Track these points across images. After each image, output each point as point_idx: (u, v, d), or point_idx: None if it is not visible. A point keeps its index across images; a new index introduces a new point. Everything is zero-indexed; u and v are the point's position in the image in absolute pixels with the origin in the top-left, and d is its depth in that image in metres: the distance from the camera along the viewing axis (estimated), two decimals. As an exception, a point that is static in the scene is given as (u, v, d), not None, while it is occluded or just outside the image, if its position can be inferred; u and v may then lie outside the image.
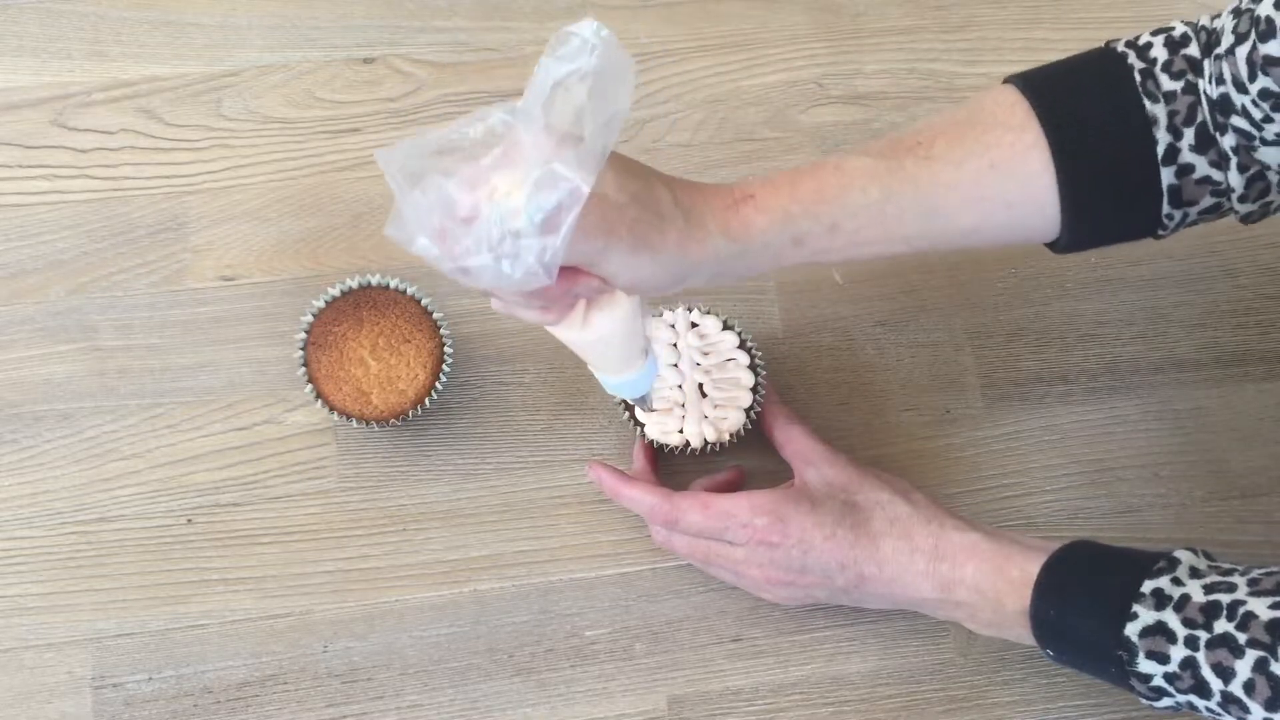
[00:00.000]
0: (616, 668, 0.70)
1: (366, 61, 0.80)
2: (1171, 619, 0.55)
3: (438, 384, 0.70)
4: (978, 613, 0.64)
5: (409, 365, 0.70)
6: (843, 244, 0.59)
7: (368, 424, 0.70)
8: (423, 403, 0.70)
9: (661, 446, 0.70)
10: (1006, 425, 0.76)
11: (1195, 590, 0.56)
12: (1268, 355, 0.78)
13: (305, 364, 0.70)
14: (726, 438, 0.70)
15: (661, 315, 0.71)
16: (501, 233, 0.47)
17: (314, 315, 0.71)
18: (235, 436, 0.73)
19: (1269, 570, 0.56)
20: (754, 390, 0.70)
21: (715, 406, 0.70)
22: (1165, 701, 0.57)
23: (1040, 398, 0.76)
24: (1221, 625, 0.54)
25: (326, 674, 0.69)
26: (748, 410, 0.70)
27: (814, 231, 0.58)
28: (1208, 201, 0.59)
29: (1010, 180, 0.59)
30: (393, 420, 0.70)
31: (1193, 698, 0.55)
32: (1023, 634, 0.62)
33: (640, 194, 0.54)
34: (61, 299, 0.75)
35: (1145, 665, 0.56)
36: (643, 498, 0.67)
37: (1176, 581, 0.56)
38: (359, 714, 0.69)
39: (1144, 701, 0.58)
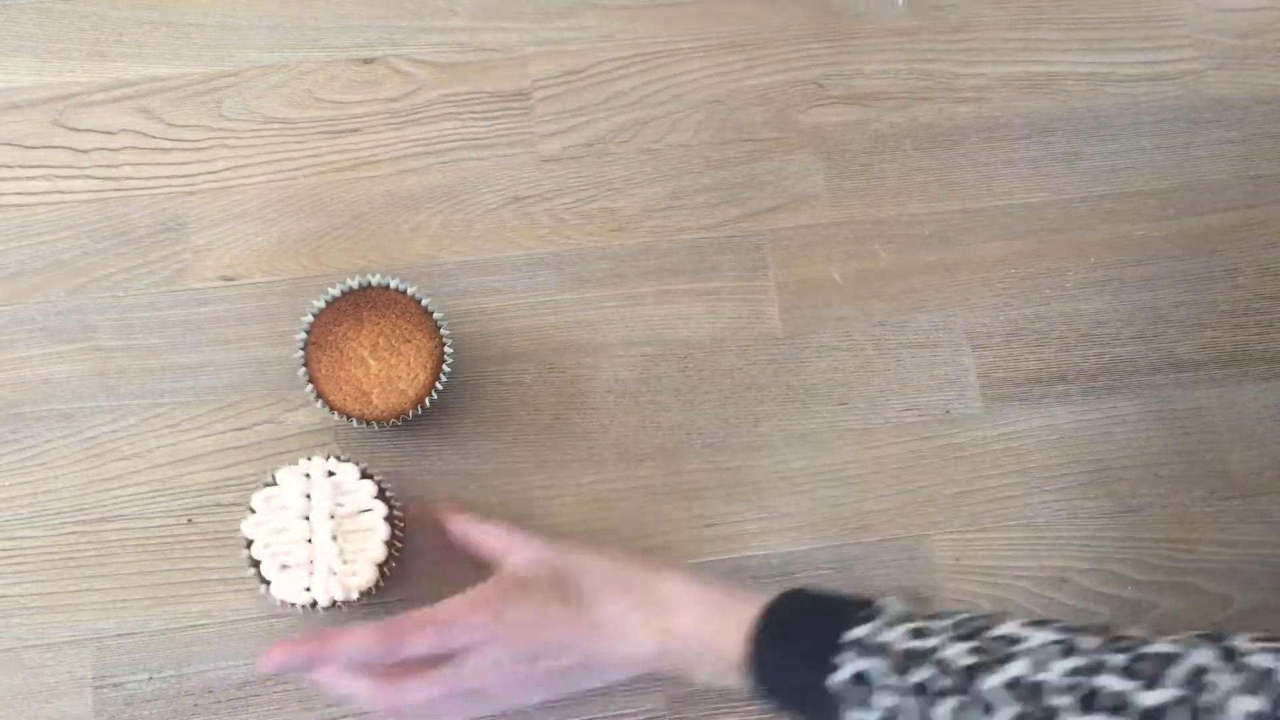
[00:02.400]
0: (616, 667, 0.70)
1: (366, 61, 0.80)
2: (873, 667, 0.55)
3: (438, 384, 0.70)
4: (701, 662, 0.61)
5: (409, 365, 0.70)
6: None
7: (368, 424, 0.70)
8: (423, 403, 0.70)
9: (292, 604, 0.66)
10: (1006, 425, 0.76)
11: (896, 637, 0.55)
12: (1267, 355, 0.78)
13: (305, 364, 0.70)
14: (355, 595, 0.65)
15: (297, 464, 0.67)
16: None
17: (314, 315, 0.71)
18: (235, 436, 0.73)
19: (970, 615, 0.56)
20: (390, 544, 0.66)
21: (345, 562, 0.65)
22: None
23: (1040, 398, 0.76)
24: (920, 673, 0.54)
25: (327, 674, 0.69)
26: (382, 565, 0.67)
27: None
28: None
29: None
30: (393, 420, 0.70)
31: None
32: (743, 685, 0.60)
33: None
34: (62, 299, 0.75)
35: (853, 715, 0.55)
36: (353, 640, 0.61)
37: (878, 629, 0.56)
38: (359, 714, 0.69)
39: None
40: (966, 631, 0.55)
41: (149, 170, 0.77)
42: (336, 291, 0.71)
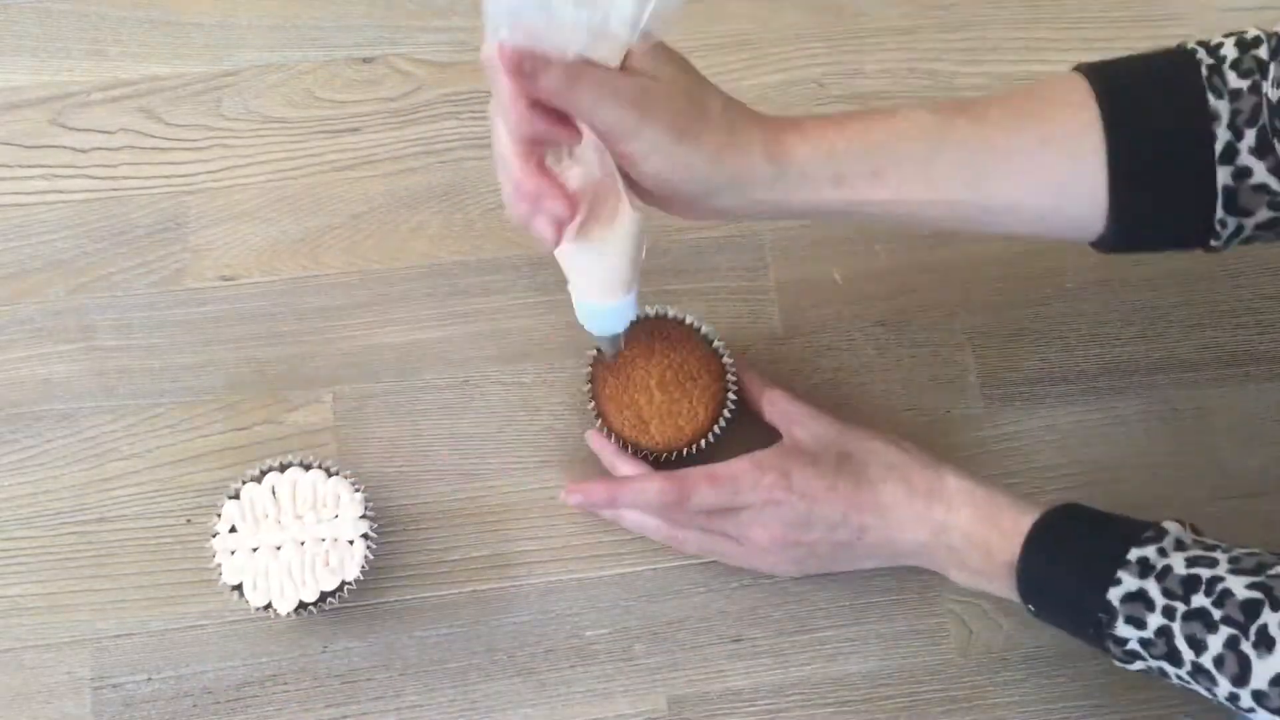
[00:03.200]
0: (616, 668, 0.70)
1: (366, 61, 0.80)
2: (1152, 588, 0.56)
3: (716, 428, 0.70)
4: (966, 560, 0.64)
5: (691, 403, 0.70)
6: (884, 197, 0.57)
7: (640, 453, 0.71)
8: (698, 443, 0.70)
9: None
10: (1006, 425, 0.76)
11: (1178, 563, 0.56)
12: (1268, 355, 0.78)
13: (591, 381, 0.71)
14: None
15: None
16: None
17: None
18: (235, 436, 0.72)
19: (1250, 551, 0.57)
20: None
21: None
22: (1137, 664, 0.58)
23: (1040, 398, 0.76)
24: (1199, 599, 0.55)
25: (326, 674, 0.69)
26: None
27: (856, 173, 0.56)
28: (1264, 214, 0.57)
29: (1060, 156, 0.57)
30: (666, 455, 0.70)
31: (1164, 664, 0.56)
32: (1004, 586, 0.63)
33: (692, 90, 0.54)
34: (61, 299, 0.75)
35: (1122, 629, 0.57)
36: (647, 486, 0.66)
37: (1162, 552, 0.57)
38: (359, 714, 0.68)
39: (1117, 663, 0.59)
40: (1250, 566, 0.55)
41: (148, 170, 0.77)
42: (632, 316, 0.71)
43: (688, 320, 0.72)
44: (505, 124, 0.51)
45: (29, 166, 0.77)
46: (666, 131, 0.52)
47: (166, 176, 0.77)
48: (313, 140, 0.78)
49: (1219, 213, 0.57)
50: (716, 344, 0.72)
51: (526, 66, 0.49)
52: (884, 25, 0.84)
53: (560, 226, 0.52)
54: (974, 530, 0.64)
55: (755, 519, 0.66)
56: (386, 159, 0.78)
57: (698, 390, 0.70)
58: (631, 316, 0.60)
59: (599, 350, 0.71)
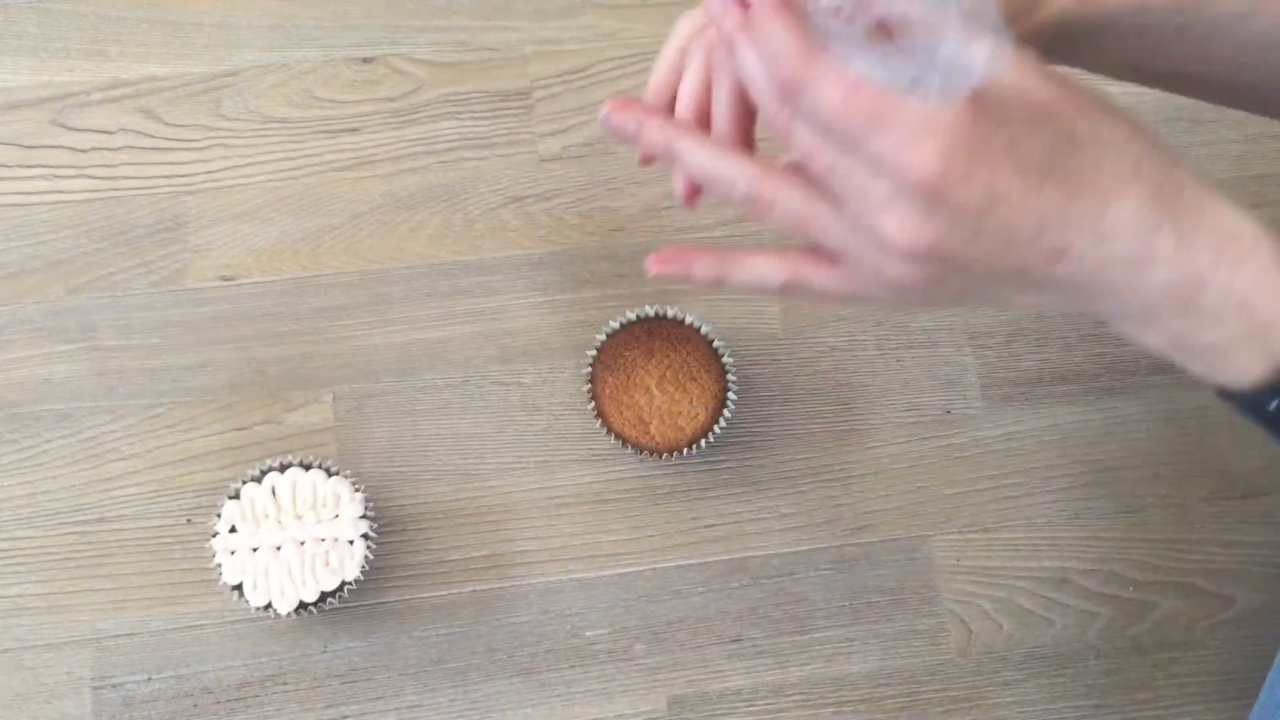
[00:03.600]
0: (616, 668, 0.70)
1: (366, 61, 0.80)
2: None
3: (716, 427, 0.70)
4: (1218, 326, 0.42)
5: (692, 403, 0.70)
6: (1184, 55, 0.47)
7: (640, 453, 0.71)
8: (698, 443, 0.70)
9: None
10: (1007, 425, 0.76)
11: None
12: (1268, 355, 0.78)
13: (591, 381, 0.71)
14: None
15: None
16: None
17: (607, 335, 0.71)
18: (235, 436, 0.72)
19: None
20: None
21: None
22: None
23: (1040, 398, 0.76)
24: None
25: (326, 674, 0.69)
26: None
27: (1161, 25, 0.45)
28: None
29: None
30: (666, 455, 0.70)
31: None
32: (1251, 365, 0.43)
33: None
34: (61, 299, 0.75)
35: None
36: (776, 35, 0.38)
37: None
38: (359, 714, 0.68)
39: None
40: None
41: (148, 170, 0.77)
42: (631, 316, 0.71)
43: (688, 320, 0.72)
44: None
45: (29, 166, 0.77)
46: None
47: (166, 176, 0.77)
48: (313, 140, 0.78)
49: None
50: (716, 344, 0.72)
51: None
52: (884, 25, 0.84)
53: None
54: (1252, 294, 0.41)
55: (892, 201, 0.39)
56: (386, 159, 0.78)
57: (698, 390, 0.70)
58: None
59: (599, 351, 0.71)
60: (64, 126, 0.78)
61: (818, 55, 0.39)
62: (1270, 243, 0.42)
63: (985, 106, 0.39)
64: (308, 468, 0.67)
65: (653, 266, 0.45)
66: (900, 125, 0.38)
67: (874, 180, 0.39)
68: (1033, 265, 0.41)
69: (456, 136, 0.79)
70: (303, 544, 0.65)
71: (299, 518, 0.66)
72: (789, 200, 0.43)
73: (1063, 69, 0.42)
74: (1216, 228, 0.42)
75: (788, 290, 0.45)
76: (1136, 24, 0.47)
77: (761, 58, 0.40)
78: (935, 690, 0.70)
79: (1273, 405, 0.43)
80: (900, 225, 0.40)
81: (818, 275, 0.44)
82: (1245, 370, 0.43)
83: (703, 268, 0.45)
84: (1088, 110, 0.41)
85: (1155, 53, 0.49)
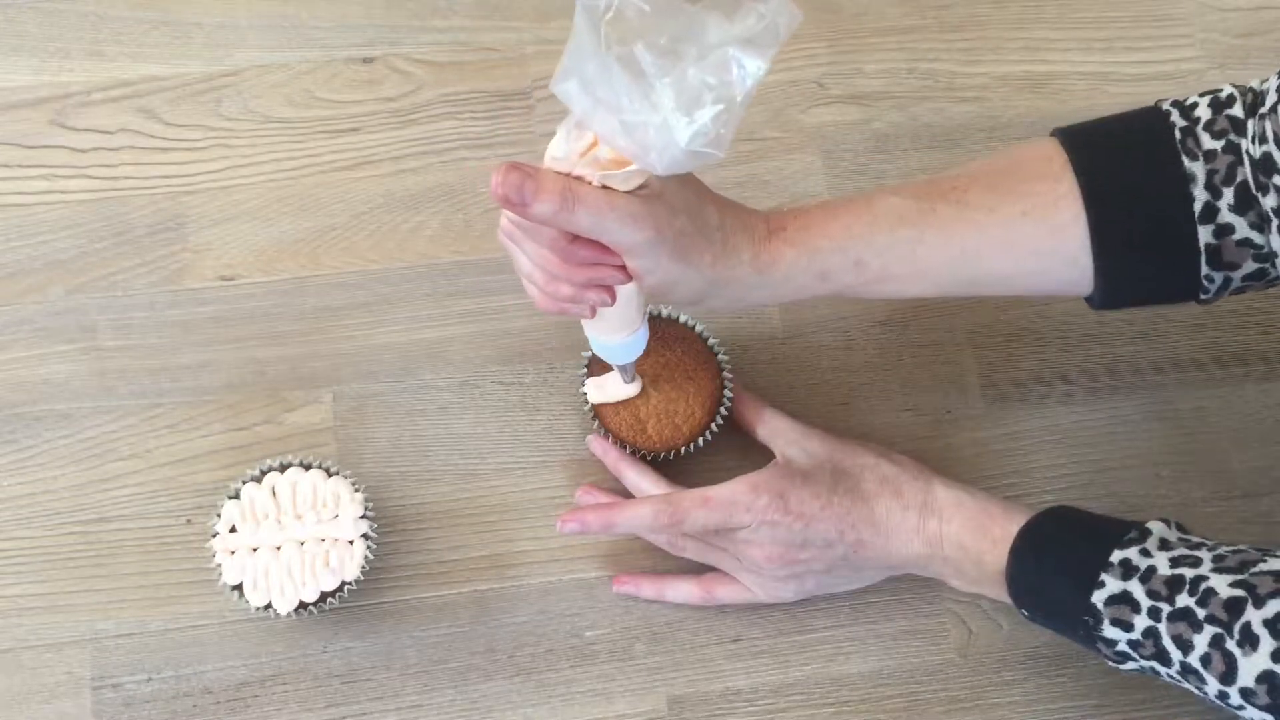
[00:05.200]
0: (616, 668, 0.70)
1: (366, 61, 0.80)
2: (1136, 589, 0.56)
3: (713, 425, 0.70)
4: (961, 569, 0.65)
5: (688, 402, 0.70)
6: (869, 279, 0.60)
7: (638, 452, 0.70)
8: (695, 441, 0.70)
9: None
10: (1007, 425, 0.76)
11: (1162, 563, 0.57)
12: (1268, 355, 0.78)
13: (587, 383, 0.70)
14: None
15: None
16: (688, 91, 0.47)
17: None
18: (235, 436, 0.72)
19: (1236, 548, 0.57)
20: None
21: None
22: (1129, 665, 0.59)
23: (1040, 398, 0.76)
24: (1183, 599, 0.55)
25: (326, 674, 0.69)
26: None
27: (840, 266, 0.59)
28: (1250, 266, 0.59)
29: (1041, 228, 0.59)
30: (664, 454, 0.70)
31: (1155, 664, 0.57)
32: (1000, 592, 0.63)
33: (693, 206, 0.56)
34: (61, 299, 0.74)
35: (1110, 631, 0.57)
36: (640, 511, 0.66)
37: (1145, 553, 0.57)
38: (359, 714, 0.68)
39: (1110, 664, 0.60)
40: (1233, 564, 0.55)
41: (148, 170, 0.77)
42: None
43: (683, 319, 0.72)
44: (531, 245, 0.56)
45: (29, 166, 0.77)
46: (670, 254, 0.55)
47: (166, 176, 0.77)
48: (313, 140, 0.78)
49: (1204, 269, 0.59)
50: (711, 342, 0.72)
51: (515, 198, 0.51)
52: (884, 25, 0.84)
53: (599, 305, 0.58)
54: (966, 540, 0.64)
55: (752, 539, 0.65)
56: (386, 159, 0.78)
57: (694, 389, 0.70)
58: (642, 347, 0.63)
59: (592, 353, 0.71)
60: (64, 126, 0.78)
61: (671, 499, 0.66)
62: (970, 503, 0.65)
63: (785, 466, 0.67)
64: (308, 468, 0.67)
65: (564, 529, 0.68)
66: (739, 502, 0.65)
67: (739, 533, 0.65)
68: (846, 555, 0.66)
69: (456, 136, 0.79)
70: (303, 544, 0.65)
71: (299, 518, 0.66)
72: (691, 549, 0.69)
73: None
74: (936, 502, 0.66)
75: (705, 603, 0.70)
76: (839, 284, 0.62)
77: (636, 530, 0.69)
78: (935, 690, 0.70)
79: (1011, 596, 0.63)
80: (761, 551, 0.65)
81: (724, 590, 0.69)
82: (979, 579, 0.65)
83: (646, 590, 0.70)
84: (847, 450, 0.68)
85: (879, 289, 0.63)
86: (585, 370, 0.71)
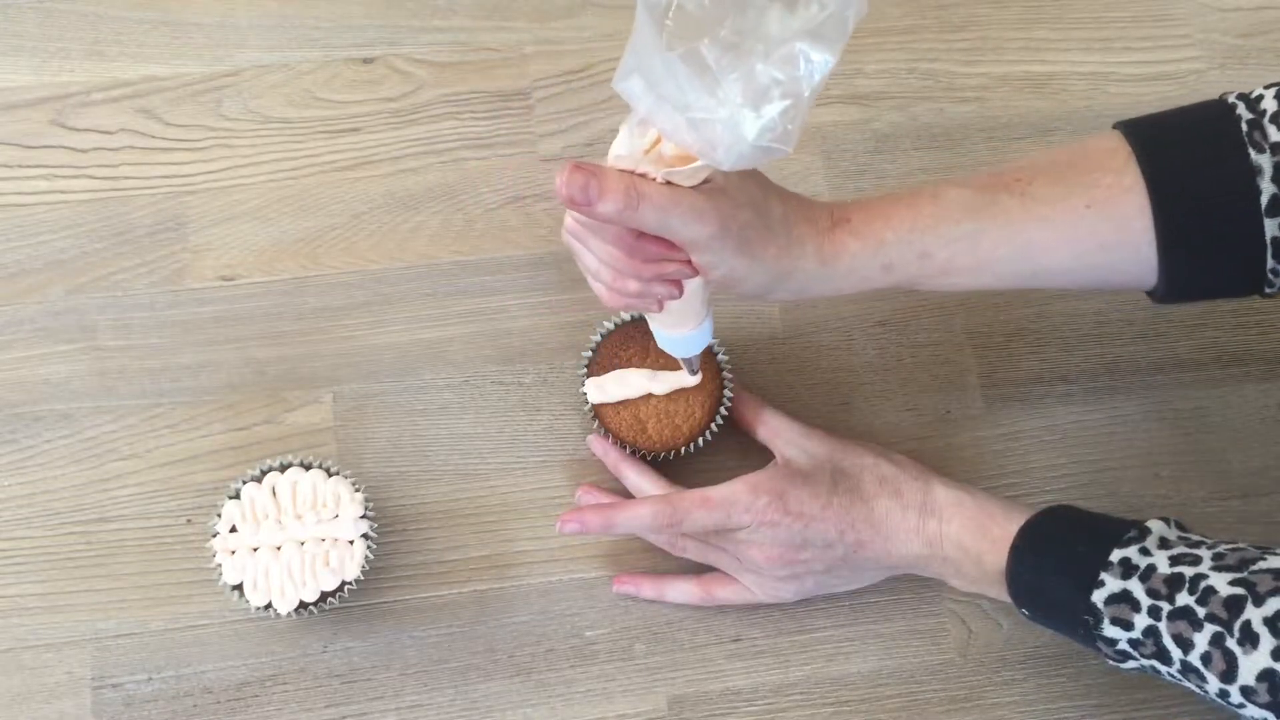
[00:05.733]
0: (616, 668, 0.70)
1: (366, 61, 0.80)
2: (1136, 588, 0.56)
3: (713, 425, 0.70)
4: (961, 569, 0.65)
5: (688, 403, 0.70)
6: (933, 272, 0.60)
7: (638, 452, 0.70)
8: (695, 441, 0.70)
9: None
10: (1006, 425, 0.76)
11: (1161, 561, 0.56)
12: (1268, 355, 0.78)
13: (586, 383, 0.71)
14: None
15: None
16: (754, 88, 0.46)
17: (602, 336, 0.71)
18: (235, 436, 0.72)
19: (1235, 546, 0.57)
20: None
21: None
22: (1130, 664, 0.58)
23: (1040, 398, 0.76)
24: (1183, 598, 0.55)
25: (326, 674, 0.69)
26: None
27: (904, 259, 0.59)
28: None
29: (1106, 222, 0.58)
30: (664, 454, 0.70)
31: (1155, 663, 0.57)
32: (1000, 592, 0.63)
33: (756, 200, 0.56)
34: (61, 299, 0.75)
35: (1110, 630, 0.57)
36: (640, 511, 0.66)
37: (1144, 552, 0.57)
38: (359, 714, 0.68)
39: (1110, 663, 0.59)
40: (1233, 562, 0.55)
41: (148, 170, 0.77)
42: (625, 317, 0.71)
43: None
44: (597, 243, 0.56)
45: (29, 166, 0.77)
46: (735, 249, 0.55)
47: (166, 176, 0.77)
48: (313, 140, 0.78)
49: (1270, 263, 0.58)
50: (712, 342, 0.72)
51: (580, 198, 0.51)
52: (884, 25, 0.84)
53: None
54: (966, 540, 0.64)
55: (751, 539, 0.66)
56: (386, 159, 0.78)
57: (694, 389, 0.70)
58: (708, 340, 0.64)
59: (594, 352, 0.71)
60: (64, 126, 0.78)
61: (671, 500, 0.66)
62: (970, 502, 0.65)
63: (785, 466, 0.67)
64: (308, 468, 0.67)
65: (563, 527, 0.68)
66: (739, 503, 0.65)
67: (739, 533, 0.66)
68: (846, 555, 0.66)
69: (456, 136, 0.79)
70: (303, 544, 0.65)
71: (299, 518, 0.66)
72: (691, 549, 0.69)
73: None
74: (936, 503, 0.66)
75: (704, 603, 0.71)
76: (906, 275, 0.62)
77: (636, 531, 0.69)
78: (935, 690, 0.70)
79: (1011, 596, 0.63)
80: (760, 552, 0.66)
81: (723, 590, 0.69)
82: (979, 579, 0.65)
83: (646, 590, 0.70)
84: (846, 450, 0.68)
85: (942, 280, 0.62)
86: (585, 370, 0.71)
